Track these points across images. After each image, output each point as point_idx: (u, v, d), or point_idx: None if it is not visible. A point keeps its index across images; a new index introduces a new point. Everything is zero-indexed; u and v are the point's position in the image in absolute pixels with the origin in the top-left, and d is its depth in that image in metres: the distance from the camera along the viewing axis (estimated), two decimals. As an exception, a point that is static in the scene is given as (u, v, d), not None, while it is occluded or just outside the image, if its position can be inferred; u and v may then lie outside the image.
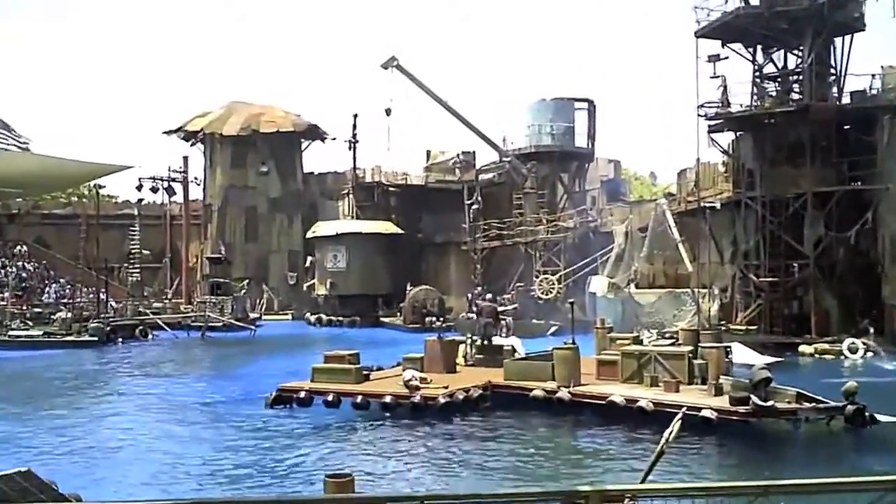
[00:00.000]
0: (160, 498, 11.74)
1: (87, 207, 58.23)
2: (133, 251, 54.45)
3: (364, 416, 17.98)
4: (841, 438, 15.77)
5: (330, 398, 18.50)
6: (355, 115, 55.14)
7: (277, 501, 9.84)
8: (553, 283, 43.37)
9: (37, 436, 16.78)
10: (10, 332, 37.56)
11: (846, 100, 32.97)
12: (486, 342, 23.16)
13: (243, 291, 50.47)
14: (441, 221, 52.92)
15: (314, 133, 60.74)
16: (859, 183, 31.82)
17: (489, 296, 28.81)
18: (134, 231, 55.02)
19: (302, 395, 18.95)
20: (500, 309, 27.48)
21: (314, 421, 17.76)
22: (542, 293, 43.29)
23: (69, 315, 39.55)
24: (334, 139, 60.25)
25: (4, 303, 42.49)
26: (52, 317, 40.80)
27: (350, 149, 54.94)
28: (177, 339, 40.15)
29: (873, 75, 32.43)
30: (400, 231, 51.73)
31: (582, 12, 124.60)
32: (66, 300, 46.35)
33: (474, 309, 39.15)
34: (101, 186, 57.89)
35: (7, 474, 7.34)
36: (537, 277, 44.20)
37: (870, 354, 28.79)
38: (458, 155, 54.83)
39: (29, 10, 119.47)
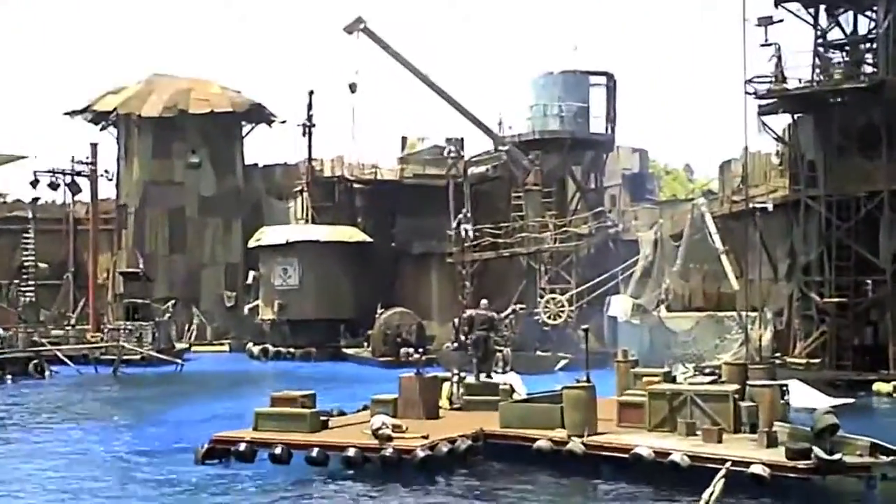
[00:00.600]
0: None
1: (-34, 209, 57.98)
2: (26, 264, 54.19)
3: (321, 474, 17.89)
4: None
5: (278, 451, 18.39)
6: (311, 93, 55.24)
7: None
8: (562, 305, 43.42)
9: None
10: None
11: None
12: (479, 365, 23.38)
13: (168, 316, 50.29)
14: (420, 227, 52.95)
15: (258, 114, 60.86)
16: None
17: (484, 302, 28.21)
18: (27, 239, 54.76)
19: (242, 447, 18.82)
20: (500, 316, 27.68)
21: (257, 480, 17.65)
22: (549, 317, 43.32)
23: (-57, 346, 39.34)
24: (284, 122, 60.50)
25: None
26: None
27: (304, 135, 55.05)
28: (82, 375, 39.93)
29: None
30: (368, 239, 51.83)
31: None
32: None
33: (462, 337, 39.46)
34: (-15, 182, 57.75)
35: None
36: (542, 297, 44.25)
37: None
38: (445, 142, 54.89)
39: None
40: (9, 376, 37.50)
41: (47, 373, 39.52)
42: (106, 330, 48.26)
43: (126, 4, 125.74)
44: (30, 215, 56.21)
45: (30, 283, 53.73)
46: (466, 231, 47.27)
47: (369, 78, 49.04)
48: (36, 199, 56.94)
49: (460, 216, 47.93)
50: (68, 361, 41.45)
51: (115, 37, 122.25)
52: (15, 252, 55.48)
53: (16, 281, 53.86)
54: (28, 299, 53.27)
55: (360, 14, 47.85)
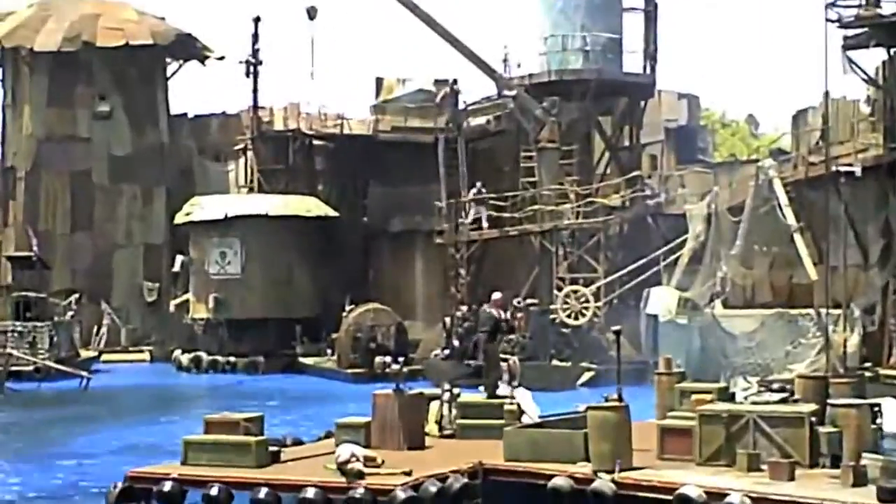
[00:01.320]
0: None
1: None
2: None
3: (272, 523, 17.96)
4: None
5: (214, 492, 18.44)
6: (257, 20, 55.26)
7: None
8: (586, 300, 43.44)
9: None
10: None
11: None
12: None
13: (70, 314, 50.30)
14: (401, 197, 53.02)
15: (188, 49, 60.88)
16: None
17: (497, 295, 28.17)
18: None
19: (167, 486, 18.86)
20: (506, 317, 27.85)
21: (187, 531, 17.73)
22: (569, 316, 43.35)
23: None
24: (222, 59, 60.56)
25: None
26: None
27: (248, 75, 55.13)
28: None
29: None
30: (332, 213, 51.83)
31: None
32: None
33: (457, 343, 39.55)
34: None
35: None
36: (560, 290, 44.26)
37: None
38: (433, 85, 54.93)
39: None
40: None
41: None
42: (-10, 333, 48.28)
43: None
44: None
45: None
46: (480, 216, 47.31)
47: (334, 1, 49.03)
48: None
49: (474, 190, 48.03)
50: (-62, 374, 41.49)
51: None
52: None
53: None
54: None
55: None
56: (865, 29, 34.53)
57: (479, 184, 48.00)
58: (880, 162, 35.05)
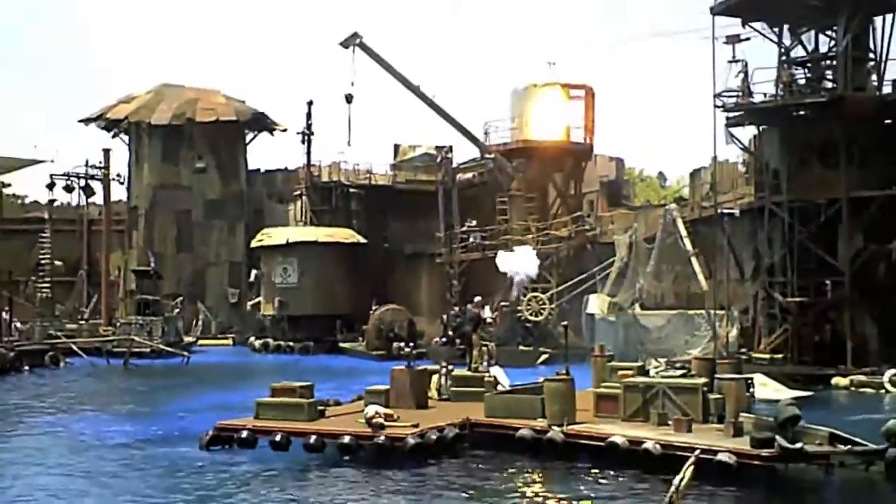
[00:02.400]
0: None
1: (-14, 210, 57.75)
2: (43, 262, 54.09)
3: (318, 460, 17.84)
4: (881, 487, 15.83)
5: (277, 438, 18.34)
6: (310, 103, 55.22)
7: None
8: (543, 303, 43.34)
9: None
10: None
11: (887, 90, 33.29)
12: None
13: (176, 311, 50.16)
14: (412, 229, 52.99)
15: (261, 123, 60.75)
16: (903, 187, 32.11)
17: (477, 299, 29.06)
18: (44, 238, 54.66)
19: (244, 434, 18.78)
20: (485, 316, 27.98)
21: (258, 465, 17.59)
22: (531, 314, 43.23)
23: (-37, 339, 39.17)
24: (285, 131, 60.41)
25: None
26: (-58, 341, 40.37)
27: (304, 142, 55.07)
28: (95, 367, 39.79)
29: (920, 62, 32.88)
30: (363, 240, 51.74)
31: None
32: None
33: (450, 333, 39.42)
34: (4, 185, 57.55)
35: None
36: (525, 296, 44.16)
37: (916, 388, 29.03)
38: (435, 150, 54.84)
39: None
40: (26, 367, 37.39)
41: (62, 364, 39.44)
42: (118, 324, 48.11)
43: (137, 17, 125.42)
44: (46, 216, 56.17)
45: (46, 279, 53.67)
46: (476, 240, 47.62)
47: (364, 89, 49.00)
48: (52, 201, 56.81)
49: (467, 224, 48.30)
50: (82, 353, 41.30)
51: (127, 48, 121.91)
52: (32, 251, 55.33)
53: (33, 278, 53.78)
54: (44, 295, 53.19)
55: (356, 30, 47.94)
56: (742, 112, 34.54)
57: (470, 221, 48.17)
58: (752, 206, 35.12)
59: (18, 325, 44.55)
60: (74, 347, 41.84)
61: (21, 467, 18.55)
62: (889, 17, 33.45)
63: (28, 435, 22.82)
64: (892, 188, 32.10)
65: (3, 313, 42.37)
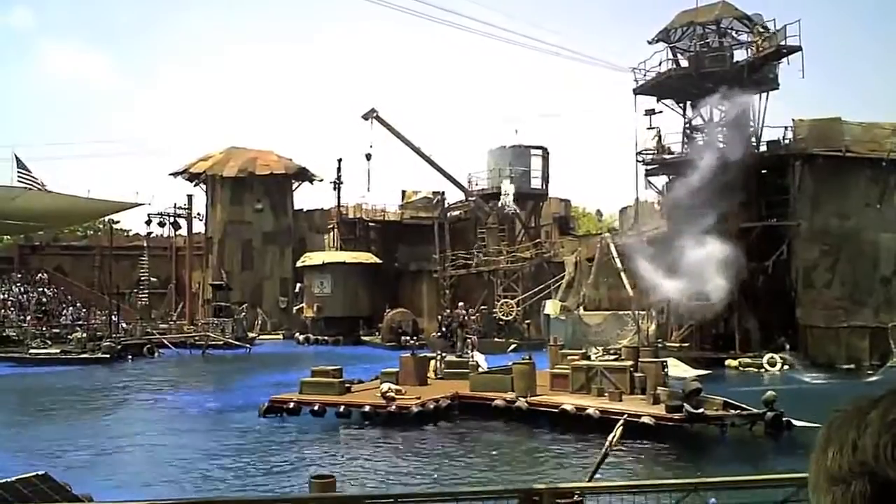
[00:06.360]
0: (164, 497, 11.52)
1: (101, 239, 57.52)
2: (142, 278, 53.86)
3: (346, 424, 17.84)
4: (761, 441, 15.87)
5: (316, 408, 18.35)
6: (339, 160, 55.25)
7: (268, 500, 9.71)
8: (512, 307, 43.37)
9: (53, 442, 16.44)
10: (31, 350, 37.01)
11: (763, 148, 33.52)
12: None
13: (241, 314, 49.98)
14: (415, 252, 52.85)
15: (304, 175, 60.68)
16: (775, 220, 32.23)
17: (462, 304, 29.26)
18: (143, 261, 54.48)
19: (291, 405, 18.80)
20: (465, 318, 27.97)
21: (302, 428, 17.59)
22: (503, 315, 43.23)
23: (84, 335, 39.00)
24: (321, 180, 60.28)
25: (26, 324, 41.94)
26: (69, 337, 40.13)
27: (335, 189, 54.96)
28: (180, 356, 39.65)
29: (785, 127, 33.09)
30: (379, 261, 51.64)
31: (539, 76, 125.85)
32: (81, 322, 45.69)
33: (444, 329, 39.43)
34: (114, 221, 57.43)
35: (25, 477, 7.20)
36: (498, 301, 44.20)
37: (786, 367, 29.08)
38: (431, 194, 54.89)
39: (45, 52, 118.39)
40: (129, 356, 37.25)
41: (156, 354, 39.26)
42: (199, 324, 47.90)
43: (208, 96, 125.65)
44: (145, 244, 55.95)
45: (144, 291, 53.43)
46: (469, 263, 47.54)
47: (380, 149, 49.01)
48: (149, 234, 56.57)
49: (475, 248, 48.34)
50: (171, 346, 41.07)
51: (205, 118, 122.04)
52: (134, 270, 55.06)
53: (135, 290, 53.55)
54: (143, 303, 52.94)
55: (374, 106, 48.10)
56: (657, 165, 34.73)
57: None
58: (665, 235, 35.16)
59: (124, 325, 44.38)
60: (165, 342, 41.63)
61: (136, 426, 18.56)
62: (763, 95, 33.72)
63: (136, 405, 22.82)
64: (767, 220, 32.28)
65: (113, 316, 42.22)
